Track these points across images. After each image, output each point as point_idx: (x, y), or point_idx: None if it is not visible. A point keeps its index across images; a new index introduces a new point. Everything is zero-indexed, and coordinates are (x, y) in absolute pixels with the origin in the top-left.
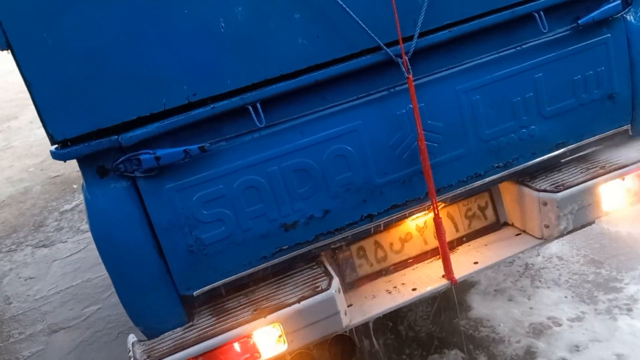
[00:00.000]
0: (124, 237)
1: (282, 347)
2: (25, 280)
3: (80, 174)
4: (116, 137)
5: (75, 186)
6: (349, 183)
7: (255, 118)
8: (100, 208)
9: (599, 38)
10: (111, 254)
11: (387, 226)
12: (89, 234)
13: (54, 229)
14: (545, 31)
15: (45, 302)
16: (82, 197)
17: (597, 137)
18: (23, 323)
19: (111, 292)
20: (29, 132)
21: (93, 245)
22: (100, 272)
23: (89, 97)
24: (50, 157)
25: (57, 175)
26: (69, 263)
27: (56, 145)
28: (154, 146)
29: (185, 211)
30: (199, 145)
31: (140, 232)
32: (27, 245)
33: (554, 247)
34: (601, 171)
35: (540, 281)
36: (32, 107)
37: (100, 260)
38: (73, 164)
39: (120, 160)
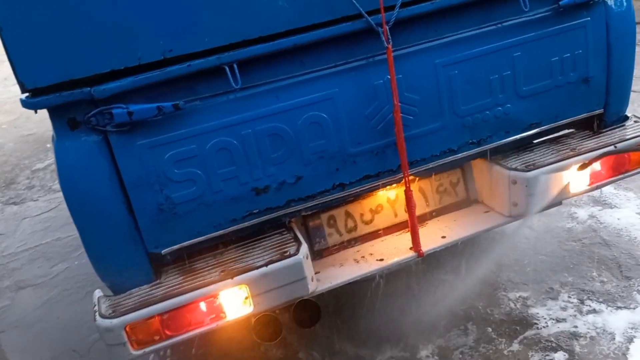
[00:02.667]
0: (93, 191)
1: (248, 309)
2: None
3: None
4: (89, 89)
5: (48, 145)
6: (323, 151)
7: (231, 79)
8: (70, 161)
9: (578, 21)
10: (80, 208)
11: (359, 197)
12: (61, 194)
13: (25, 187)
14: (526, 10)
15: (13, 258)
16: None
17: (570, 119)
18: None
19: (81, 252)
20: (3, 89)
21: (64, 205)
22: (71, 232)
23: (63, 45)
24: (24, 115)
25: (30, 134)
26: (39, 221)
27: (27, 94)
28: (127, 101)
29: (156, 169)
30: (173, 103)
31: (110, 187)
32: None
33: None
34: (571, 153)
35: None
36: (7, 63)
37: (70, 220)
38: (47, 123)
39: (92, 113)
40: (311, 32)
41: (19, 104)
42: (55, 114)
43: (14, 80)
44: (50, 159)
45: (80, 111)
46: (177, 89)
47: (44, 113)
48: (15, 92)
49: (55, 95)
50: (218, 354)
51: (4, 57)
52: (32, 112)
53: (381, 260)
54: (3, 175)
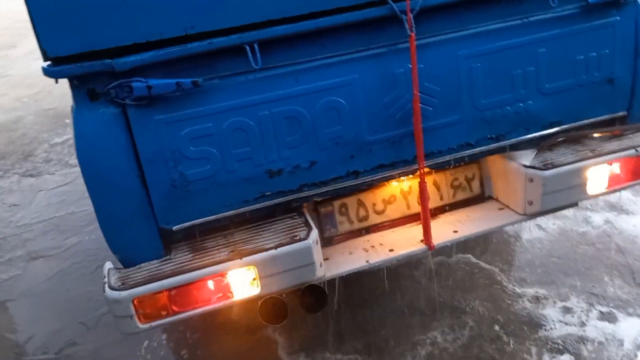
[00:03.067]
0: (109, 163)
1: (255, 290)
2: (9, 206)
3: None
4: (110, 61)
5: (67, 120)
6: (339, 137)
7: (251, 59)
8: (88, 131)
9: (607, 20)
10: (95, 178)
11: (372, 186)
12: (77, 169)
13: (43, 160)
14: (554, 6)
15: (27, 229)
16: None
17: (592, 120)
18: (3, 247)
19: (93, 227)
20: (26, 63)
21: (80, 180)
22: (84, 207)
23: (87, 16)
24: (45, 90)
25: (51, 108)
26: (55, 194)
27: (48, 62)
28: (147, 75)
29: (171, 145)
30: (192, 80)
31: (126, 160)
32: (14, 173)
33: None
34: (590, 154)
35: None
36: (32, 37)
37: (85, 195)
38: (67, 98)
39: (111, 85)
40: (335, 16)
41: (41, 79)
42: (75, 84)
43: (37, 55)
44: (69, 134)
45: (100, 83)
46: (197, 66)
47: (64, 89)
48: (37, 66)
49: (77, 65)
50: (213, 338)
51: (29, 31)
52: (53, 86)
53: (391, 250)
54: (21, 147)
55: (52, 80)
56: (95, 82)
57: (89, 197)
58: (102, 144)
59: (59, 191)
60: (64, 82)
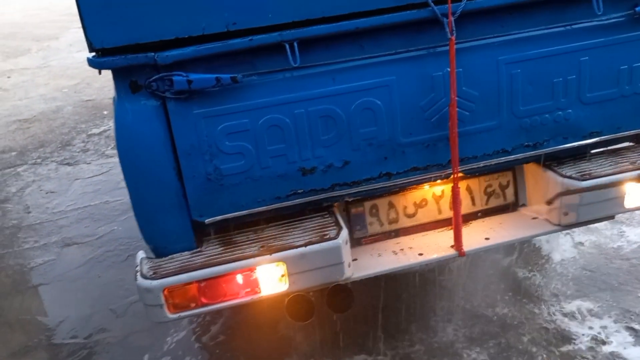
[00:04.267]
0: (147, 154)
1: (283, 287)
2: (47, 193)
3: (111, 101)
4: (153, 54)
5: (105, 112)
6: (373, 138)
7: (290, 57)
8: (128, 122)
9: None
10: (132, 168)
11: (404, 188)
12: (113, 159)
13: (80, 150)
14: (599, 14)
15: (62, 216)
16: (111, 123)
17: (633, 132)
18: (39, 232)
19: (126, 217)
20: (67, 54)
21: (116, 170)
22: (119, 197)
23: (132, 9)
24: (85, 81)
25: (90, 100)
26: (90, 184)
27: (94, 54)
28: (188, 69)
29: (208, 139)
30: (232, 75)
31: (163, 151)
32: (52, 161)
33: None
34: (630, 167)
35: None
36: (73, 29)
37: (120, 185)
38: (106, 90)
39: (153, 78)
40: (375, 17)
41: (81, 70)
42: (118, 76)
43: (79, 47)
44: (106, 125)
45: (142, 75)
46: (237, 62)
47: (103, 81)
48: (78, 58)
49: (121, 58)
50: (238, 331)
51: (71, 24)
52: (92, 78)
53: (421, 254)
54: (60, 136)
55: (92, 72)
56: (138, 75)
57: (123, 188)
58: (141, 135)
59: (95, 180)
60: (104, 75)
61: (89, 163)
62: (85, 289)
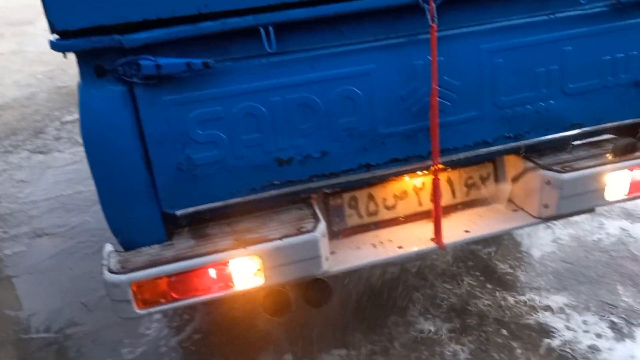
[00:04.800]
0: (114, 142)
1: (258, 281)
2: (18, 182)
3: None
4: (119, 37)
5: None
6: (352, 128)
7: (265, 42)
8: (93, 108)
9: (637, 20)
10: (98, 157)
11: (384, 180)
12: None
13: (53, 138)
14: (583, 3)
15: (33, 206)
16: None
17: (614, 124)
18: (9, 223)
19: (99, 207)
20: (43, 39)
21: None
22: (92, 186)
23: None
24: (60, 67)
25: (64, 86)
26: (63, 173)
27: (56, 36)
28: (157, 54)
29: (179, 127)
30: (203, 61)
31: (131, 140)
32: (24, 149)
33: None
34: (611, 159)
35: None
36: None
37: None
38: None
39: (119, 62)
40: (355, 2)
41: (57, 56)
42: (83, 60)
43: None
44: None
45: (108, 59)
46: (209, 47)
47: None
48: None
49: (85, 40)
50: (214, 326)
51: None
52: (67, 64)
53: (400, 247)
54: (33, 124)
55: (68, 59)
56: (103, 58)
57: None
58: (107, 122)
59: (68, 169)
60: None
61: (62, 151)
62: (56, 281)
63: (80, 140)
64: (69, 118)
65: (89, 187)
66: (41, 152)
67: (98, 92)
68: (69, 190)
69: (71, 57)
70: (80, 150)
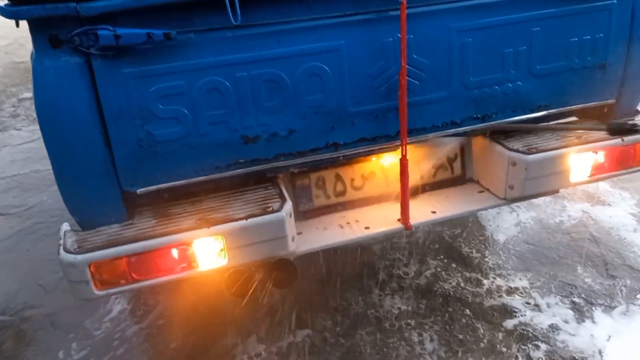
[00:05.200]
0: (70, 116)
1: (222, 262)
2: None
3: None
4: (75, 4)
5: None
6: (320, 105)
7: (230, 14)
8: (48, 81)
9: (604, 2)
10: (53, 133)
11: (351, 160)
12: None
13: (9, 115)
14: None
15: None
16: None
17: (580, 106)
18: None
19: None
20: None
21: None
22: (50, 166)
23: None
24: (18, 42)
25: (22, 62)
26: (20, 151)
27: (6, 1)
28: (116, 24)
29: (139, 101)
30: (165, 32)
31: (88, 114)
32: None
33: None
34: (576, 141)
35: None
36: None
37: None
38: None
39: (76, 32)
40: None
41: (14, 30)
42: (36, 29)
43: None
44: None
45: (63, 28)
46: (171, 18)
47: None
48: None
49: (38, 7)
50: (176, 307)
51: None
52: (26, 39)
53: (367, 228)
54: None
55: (26, 32)
56: (58, 28)
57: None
58: (62, 95)
59: (25, 148)
60: None
61: (19, 129)
62: (13, 263)
63: None
64: (26, 95)
65: (47, 167)
66: None
67: (53, 63)
68: (26, 169)
69: (27, 28)
70: (38, 129)
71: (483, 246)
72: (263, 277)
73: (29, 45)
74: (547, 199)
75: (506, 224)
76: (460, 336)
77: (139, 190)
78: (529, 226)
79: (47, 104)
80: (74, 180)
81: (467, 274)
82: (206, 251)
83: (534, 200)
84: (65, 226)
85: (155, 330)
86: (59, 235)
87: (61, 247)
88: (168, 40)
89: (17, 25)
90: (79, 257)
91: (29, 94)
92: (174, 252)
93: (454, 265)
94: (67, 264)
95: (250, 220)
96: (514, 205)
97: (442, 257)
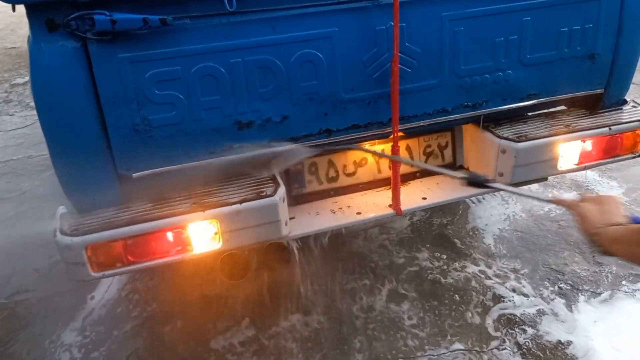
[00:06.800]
0: (66, 100)
1: (216, 245)
2: None
3: None
4: None
5: None
6: (313, 92)
7: (226, 0)
8: (45, 65)
9: None
10: (50, 116)
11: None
12: None
13: (2, 100)
14: None
15: None
16: None
17: (569, 95)
18: None
19: (51, 172)
20: None
21: None
22: (43, 151)
23: None
24: (9, 27)
25: (14, 47)
26: (13, 137)
27: None
28: (112, 8)
29: (135, 86)
30: (161, 17)
31: (84, 99)
32: None
33: None
34: (565, 130)
35: None
36: None
37: (44, 139)
38: None
39: (72, 16)
40: None
41: (5, 16)
42: (33, 12)
43: None
44: None
45: (60, 13)
46: (167, 3)
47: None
48: (2, 2)
49: None
50: (169, 291)
51: None
52: (18, 24)
53: (359, 213)
54: None
55: (18, 18)
56: (55, 12)
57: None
58: (59, 79)
59: (18, 133)
60: None
61: (12, 115)
62: (6, 247)
63: (31, 104)
64: (19, 81)
65: (40, 152)
66: None
67: (49, 47)
68: (19, 154)
69: (21, 17)
70: (31, 115)
71: (472, 234)
72: (257, 261)
73: (20, 31)
74: (536, 187)
75: (495, 211)
76: (449, 320)
77: (134, 174)
78: (517, 214)
79: (44, 88)
80: (70, 163)
81: (456, 261)
82: (201, 234)
83: (523, 187)
84: (62, 209)
85: (149, 313)
86: (55, 218)
87: (57, 230)
88: (164, 25)
89: (14, 9)
90: (76, 239)
91: (22, 80)
92: (169, 235)
93: (443, 252)
94: (64, 246)
95: (244, 204)
96: (503, 193)
97: (431, 244)
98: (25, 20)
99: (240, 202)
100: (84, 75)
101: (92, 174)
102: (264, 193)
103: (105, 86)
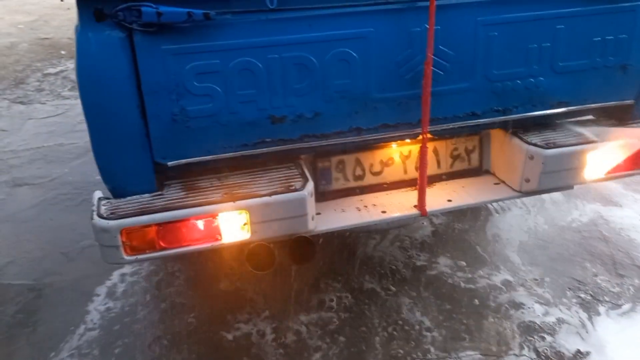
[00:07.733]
0: (109, 88)
1: (245, 235)
2: None
3: (70, 41)
4: None
5: (63, 52)
6: (346, 90)
7: None
8: (91, 53)
9: (629, 4)
10: (93, 103)
11: (372, 145)
12: (70, 101)
13: (35, 89)
14: None
15: (13, 155)
16: (69, 64)
17: (599, 105)
18: None
19: (81, 161)
20: None
21: (72, 112)
22: (74, 140)
23: None
24: (43, 18)
25: (47, 38)
26: (44, 124)
27: None
28: (158, 1)
29: (176, 77)
30: (204, 11)
31: (127, 87)
32: (4, 98)
33: None
34: (593, 139)
35: None
36: None
37: (75, 128)
38: (64, 29)
39: (120, 7)
40: None
41: (40, 7)
42: (82, 3)
43: None
44: (63, 65)
45: (108, 3)
46: None
47: (62, 19)
48: None
49: None
50: (194, 280)
51: None
52: (51, 16)
53: (384, 212)
54: (14, 74)
55: (51, 9)
56: (104, 3)
57: (79, 131)
58: (104, 67)
59: (49, 121)
60: (63, 14)
61: (44, 103)
62: (36, 231)
63: (63, 93)
64: (51, 70)
65: (70, 140)
66: (22, 103)
67: (96, 36)
68: (50, 142)
69: (55, 9)
70: (63, 104)
71: (494, 241)
72: (282, 253)
73: (54, 22)
74: (560, 198)
75: (517, 220)
76: (468, 325)
77: (170, 163)
78: (541, 223)
79: (89, 75)
80: (110, 149)
81: (478, 267)
82: (230, 224)
83: (546, 198)
84: (98, 193)
85: (174, 300)
86: (92, 202)
87: (95, 213)
88: (207, 20)
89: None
90: (112, 222)
91: (54, 70)
92: (200, 224)
93: (464, 258)
94: (100, 229)
95: (273, 197)
96: (526, 202)
97: (452, 250)
98: (59, 12)
99: (270, 194)
100: (128, 65)
101: (129, 160)
102: (293, 187)
103: (148, 76)
